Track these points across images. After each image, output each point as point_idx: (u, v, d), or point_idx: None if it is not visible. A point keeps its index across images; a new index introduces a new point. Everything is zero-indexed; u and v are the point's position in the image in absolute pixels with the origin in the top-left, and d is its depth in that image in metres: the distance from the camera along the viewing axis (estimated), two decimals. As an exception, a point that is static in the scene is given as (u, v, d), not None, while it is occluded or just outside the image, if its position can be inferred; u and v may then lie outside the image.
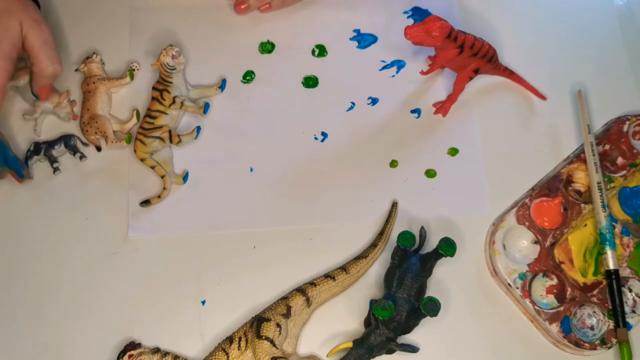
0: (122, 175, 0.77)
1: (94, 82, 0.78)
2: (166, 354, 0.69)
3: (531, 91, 0.82)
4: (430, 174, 0.78)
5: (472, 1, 0.87)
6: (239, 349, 0.68)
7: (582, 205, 0.75)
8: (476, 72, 0.78)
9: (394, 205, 0.76)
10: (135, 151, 0.76)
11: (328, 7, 0.86)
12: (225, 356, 0.68)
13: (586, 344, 0.70)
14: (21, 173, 0.74)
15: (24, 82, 0.78)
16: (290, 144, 0.79)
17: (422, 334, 0.71)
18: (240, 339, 0.68)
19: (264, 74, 0.82)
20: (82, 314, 0.72)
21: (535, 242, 0.74)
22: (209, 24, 0.84)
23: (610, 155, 0.78)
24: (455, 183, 0.78)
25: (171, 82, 0.76)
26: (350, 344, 0.68)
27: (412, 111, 0.81)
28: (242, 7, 0.84)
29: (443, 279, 0.74)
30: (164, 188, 0.75)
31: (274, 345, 0.67)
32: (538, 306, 0.71)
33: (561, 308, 0.71)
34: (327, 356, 0.69)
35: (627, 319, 0.71)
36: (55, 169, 0.76)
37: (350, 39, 0.85)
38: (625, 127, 0.78)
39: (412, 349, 0.69)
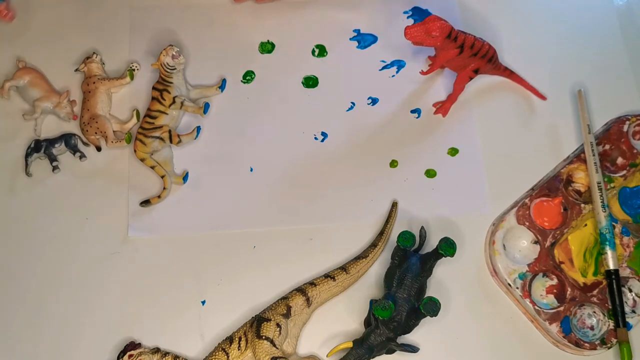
0: (122, 175, 0.77)
1: (94, 82, 0.78)
2: (166, 354, 0.69)
3: (531, 91, 0.82)
4: (430, 174, 0.78)
5: (472, 1, 0.87)
6: (239, 349, 0.68)
7: (582, 205, 0.75)
8: (476, 72, 0.78)
9: (394, 205, 0.76)
10: (135, 151, 0.76)
11: (328, 7, 0.86)
12: (225, 356, 0.68)
13: (586, 344, 0.70)
14: None
15: (24, 82, 0.79)
16: (290, 144, 0.79)
17: (422, 334, 0.71)
18: (240, 339, 0.68)
19: (264, 74, 0.82)
20: (82, 314, 0.72)
21: (535, 242, 0.74)
22: (209, 23, 0.84)
23: (610, 155, 0.78)
24: (455, 183, 0.78)
25: (171, 82, 0.76)
26: (350, 344, 0.68)
27: (412, 111, 0.81)
28: None
29: (443, 279, 0.74)
30: (164, 188, 0.75)
31: (274, 345, 0.67)
32: (538, 306, 0.71)
33: (561, 308, 0.71)
34: (327, 356, 0.69)
35: (627, 319, 0.71)
36: (55, 168, 0.77)
37: (350, 39, 0.85)
38: (625, 127, 0.78)
39: (412, 349, 0.69)
